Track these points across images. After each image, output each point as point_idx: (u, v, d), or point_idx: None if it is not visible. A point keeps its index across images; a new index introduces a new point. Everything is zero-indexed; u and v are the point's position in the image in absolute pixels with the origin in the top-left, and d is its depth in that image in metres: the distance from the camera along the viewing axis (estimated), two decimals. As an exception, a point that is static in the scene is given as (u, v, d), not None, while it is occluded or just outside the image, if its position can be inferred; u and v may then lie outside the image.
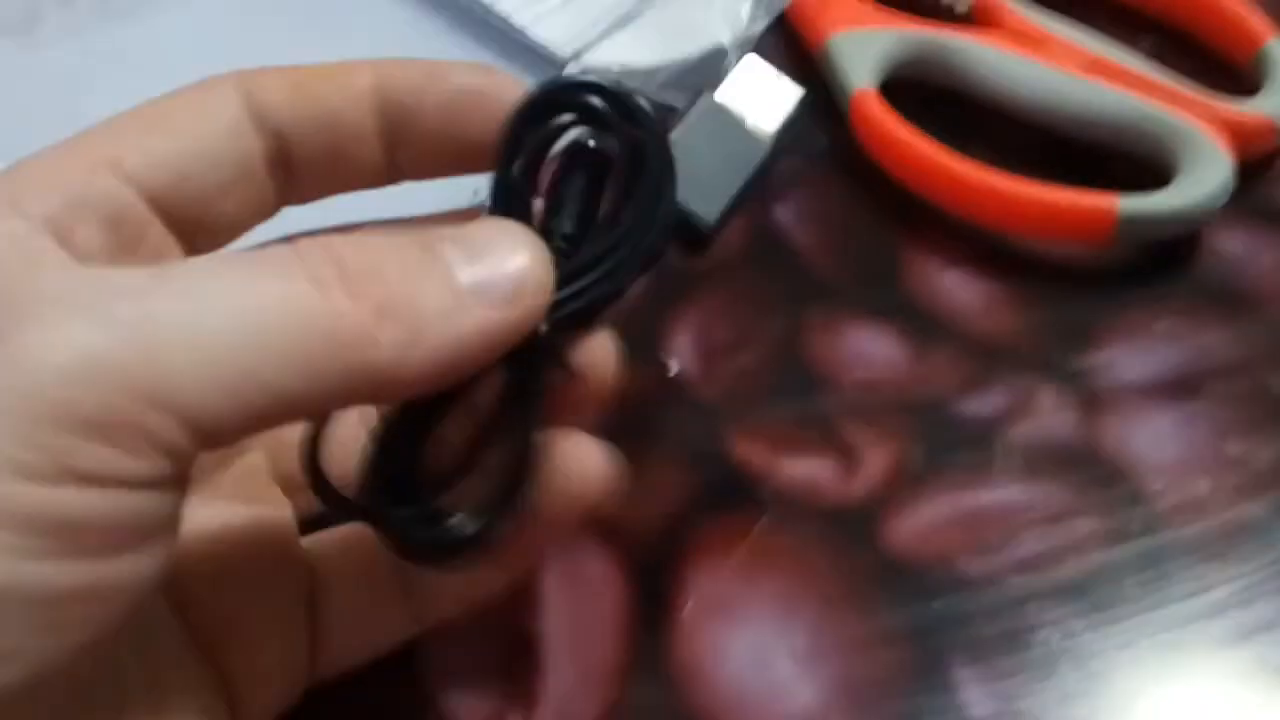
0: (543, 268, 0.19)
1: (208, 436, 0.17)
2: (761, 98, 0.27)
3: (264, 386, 0.17)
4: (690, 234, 0.24)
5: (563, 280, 0.20)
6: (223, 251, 0.22)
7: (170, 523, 0.18)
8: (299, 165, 0.22)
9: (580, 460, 0.22)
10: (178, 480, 0.17)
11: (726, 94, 0.26)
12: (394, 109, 0.22)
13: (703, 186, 0.24)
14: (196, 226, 0.21)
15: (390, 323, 0.18)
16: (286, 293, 0.17)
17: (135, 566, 0.17)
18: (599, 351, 0.22)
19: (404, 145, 0.22)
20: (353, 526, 0.23)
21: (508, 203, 0.21)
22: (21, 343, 0.16)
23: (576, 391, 0.22)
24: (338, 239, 0.19)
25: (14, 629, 0.16)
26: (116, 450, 0.16)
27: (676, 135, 0.25)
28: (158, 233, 0.20)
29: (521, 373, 0.21)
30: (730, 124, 0.26)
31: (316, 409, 0.19)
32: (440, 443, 0.21)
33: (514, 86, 0.22)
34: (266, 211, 0.22)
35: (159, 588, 0.18)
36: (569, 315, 0.20)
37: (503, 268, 0.19)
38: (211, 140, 0.21)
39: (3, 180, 0.19)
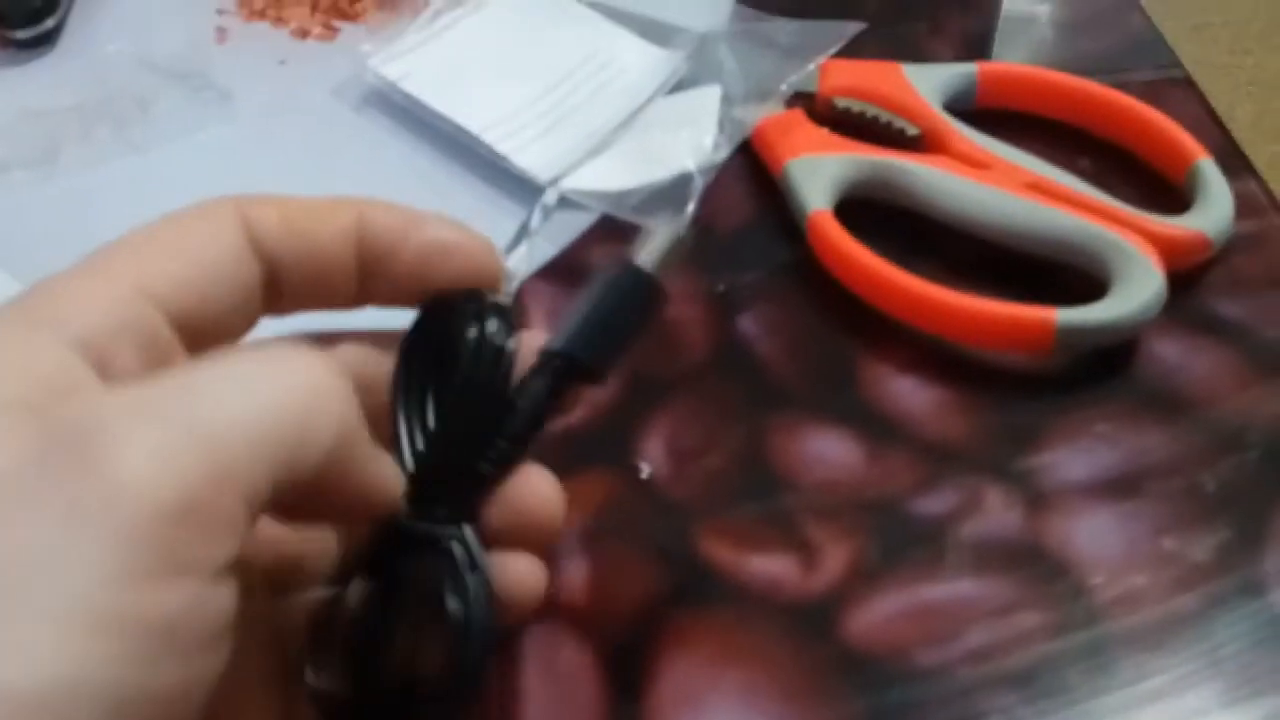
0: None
1: (255, 512, 0.19)
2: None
3: (302, 458, 0.19)
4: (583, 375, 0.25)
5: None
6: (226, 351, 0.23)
7: (233, 615, 0.19)
8: (285, 287, 0.24)
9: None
10: (234, 566, 0.19)
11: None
12: (372, 249, 0.24)
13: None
14: (206, 342, 0.23)
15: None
16: (309, 372, 0.20)
17: (214, 662, 0.19)
18: (539, 490, 0.25)
19: (377, 280, 0.24)
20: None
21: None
22: (102, 460, 0.18)
23: (522, 530, 0.24)
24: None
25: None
26: (206, 534, 0.18)
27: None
28: (179, 353, 0.22)
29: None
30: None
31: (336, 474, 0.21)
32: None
33: (483, 245, 0.25)
34: (253, 324, 0.24)
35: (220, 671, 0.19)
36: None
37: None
38: (223, 265, 0.23)
39: (40, 299, 0.21)
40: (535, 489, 0.25)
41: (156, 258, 0.22)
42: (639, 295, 0.25)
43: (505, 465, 0.24)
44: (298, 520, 0.23)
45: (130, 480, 0.18)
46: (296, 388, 0.20)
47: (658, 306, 0.26)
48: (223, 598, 0.19)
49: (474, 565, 0.23)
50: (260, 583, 0.24)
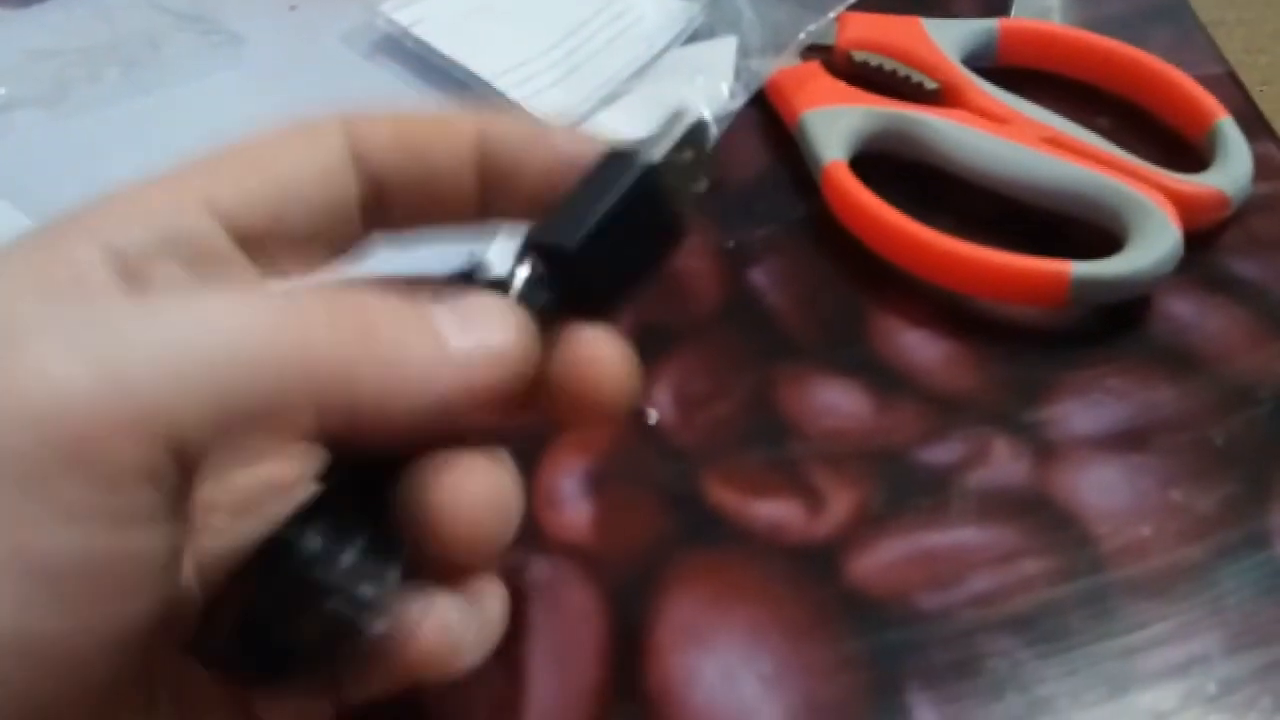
0: (526, 344, 0.21)
1: (189, 458, 0.18)
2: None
3: (239, 401, 0.18)
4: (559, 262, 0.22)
5: None
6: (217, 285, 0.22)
7: (164, 566, 0.19)
8: (393, 205, 0.23)
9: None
10: (168, 513, 0.19)
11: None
12: (494, 165, 0.23)
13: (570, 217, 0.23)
14: (282, 263, 0.23)
15: (373, 361, 0.20)
16: (262, 313, 0.19)
17: (135, 611, 0.18)
18: (604, 354, 0.23)
19: (499, 197, 0.24)
20: None
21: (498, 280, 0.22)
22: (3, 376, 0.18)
23: (581, 406, 0.23)
24: (334, 288, 0.21)
25: (7, 673, 0.17)
26: (102, 480, 0.17)
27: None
28: (241, 270, 0.22)
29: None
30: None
31: (294, 432, 0.20)
32: None
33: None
34: (351, 248, 0.24)
35: (150, 637, 0.19)
36: None
37: (490, 339, 0.21)
38: (310, 184, 0.22)
39: (96, 204, 0.21)
40: (594, 350, 0.23)
41: (231, 172, 0.22)
42: (656, 223, 0.22)
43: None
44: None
45: (14, 406, 0.17)
46: (246, 329, 0.19)
47: (677, 239, 0.23)
48: (124, 546, 0.18)
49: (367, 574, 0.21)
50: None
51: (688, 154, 0.22)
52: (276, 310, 0.20)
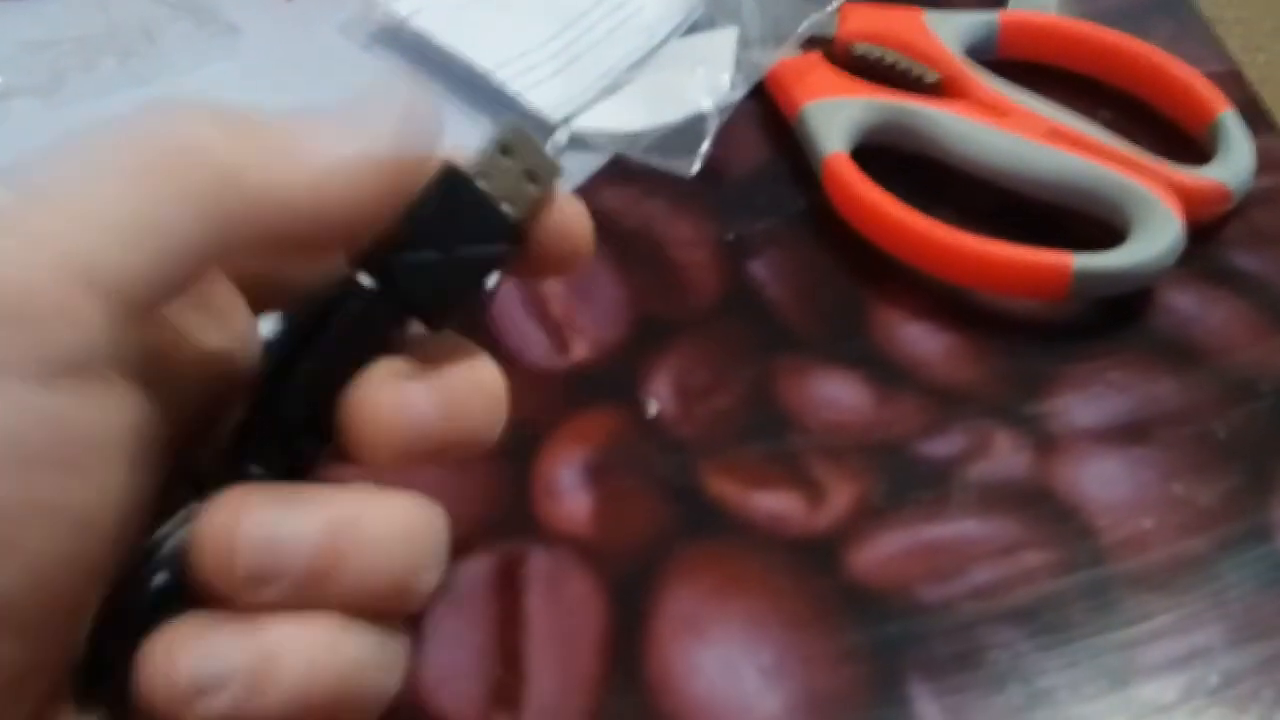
0: (422, 114, 0.21)
1: (107, 292, 0.18)
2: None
3: (155, 225, 0.18)
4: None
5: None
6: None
7: (104, 434, 0.18)
8: None
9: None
10: (107, 372, 0.18)
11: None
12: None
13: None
14: None
15: (236, 136, 0.20)
16: (163, 134, 0.19)
17: (70, 480, 0.18)
18: (569, 217, 0.23)
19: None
20: None
21: None
22: None
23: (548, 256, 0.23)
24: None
25: None
26: (32, 330, 0.17)
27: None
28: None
29: None
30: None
31: (202, 244, 0.20)
32: None
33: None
34: None
35: (117, 528, 0.19)
36: None
37: (379, 110, 0.21)
38: None
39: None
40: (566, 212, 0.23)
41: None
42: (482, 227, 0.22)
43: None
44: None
45: None
46: (148, 160, 0.19)
47: (505, 250, 0.22)
48: (66, 407, 0.18)
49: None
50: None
51: (509, 161, 0.22)
52: (179, 134, 0.20)
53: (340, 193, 0.20)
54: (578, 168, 0.39)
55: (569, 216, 0.23)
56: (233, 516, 0.20)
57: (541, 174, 0.22)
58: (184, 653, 0.19)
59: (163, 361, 0.21)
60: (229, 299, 0.24)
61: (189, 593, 0.20)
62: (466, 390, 0.22)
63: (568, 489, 0.32)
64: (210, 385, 0.22)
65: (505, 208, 0.22)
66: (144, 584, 0.20)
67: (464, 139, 0.40)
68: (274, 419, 0.21)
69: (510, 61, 0.40)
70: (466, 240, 0.22)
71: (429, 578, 0.22)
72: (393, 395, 0.21)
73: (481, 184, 0.22)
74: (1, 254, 0.18)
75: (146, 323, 0.19)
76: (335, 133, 0.21)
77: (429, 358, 0.22)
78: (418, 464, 0.21)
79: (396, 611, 0.22)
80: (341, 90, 0.41)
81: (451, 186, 0.22)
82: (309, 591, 0.20)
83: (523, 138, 0.22)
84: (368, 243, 0.22)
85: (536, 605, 0.30)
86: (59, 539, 0.18)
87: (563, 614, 0.30)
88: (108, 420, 0.19)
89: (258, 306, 0.24)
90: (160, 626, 0.20)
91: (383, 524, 0.21)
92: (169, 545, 0.21)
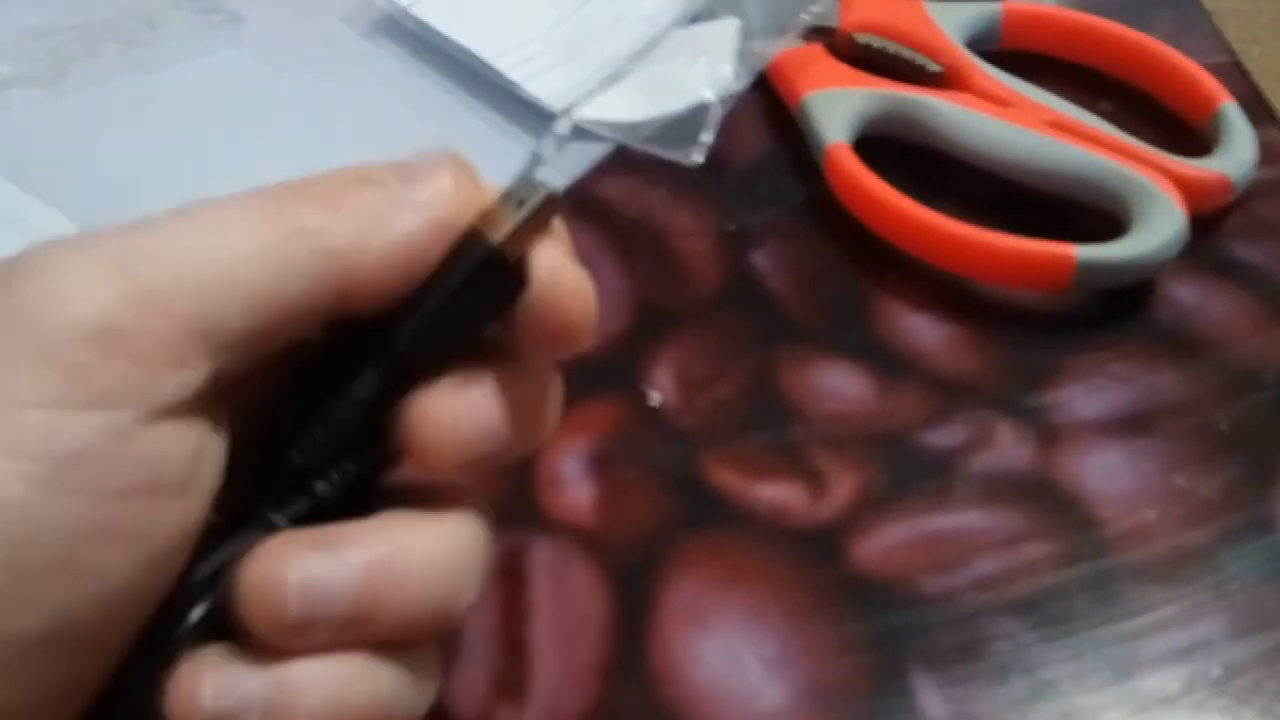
0: (468, 183, 0.22)
1: (215, 344, 0.19)
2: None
3: (247, 287, 0.20)
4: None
5: None
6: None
7: (192, 469, 0.19)
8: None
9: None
10: (195, 410, 0.19)
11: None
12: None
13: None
14: None
15: (340, 216, 0.21)
16: (250, 209, 0.21)
17: (157, 512, 0.19)
18: (568, 281, 0.23)
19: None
20: None
21: None
22: (23, 284, 0.19)
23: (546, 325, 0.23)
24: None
25: (33, 568, 0.18)
26: (128, 363, 0.18)
27: None
28: None
29: None
30: None
31: (300, 308, 0.21)
32: None
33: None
34: None
35: (179, 554, 0.20)
36: None
37: (434, 181, 0.22)
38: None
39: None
40: (564, 282, 0.23)
41: None
42: (490, 282, 0.22)
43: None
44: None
45: (42, 299, 0.19)
46: (261, 231, 0.20)
47: (513, 296, 0.23)
48: (155, 441, 0.19)
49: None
50: None
51: (531, 223, 0.22)
52: (265, 208, 0.21)
53: (402, 264, 0.21)
54: (579, 157, 0.39)
55: (570, 291, 0.23)
56: (278, 568, 0.20)
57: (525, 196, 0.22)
58: (208, 683, 0.20)
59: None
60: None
61: (222, 628, 0.21)
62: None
63: (570, 479, 0.32)
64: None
65: (500, 247, 0.22)
66: (180, 618, 0.21)
67: (465, 128, 0.39)
68: (291, 465, 0.22)
69: (512, 50, 0.40)
70: (481, 296, 0.22)
71: (469, 597, 0.22)
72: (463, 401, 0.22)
73: (496, 240, 0.22)
74: (126, 295, 0.19)
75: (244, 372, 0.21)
76: (401, 201, 0.22)
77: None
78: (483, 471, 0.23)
79: (434, 634, 0.22)
80: (343, 79, 0.41)
81: (472, 247, 0.22)
82: (351, 633, 0.21)
83: (537, 192, 0.22)
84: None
85: (540, 595, 0.29)
86: (138, 567, 0.19)
87: (566, 603, 0.29)
88: (195, 459, 0.20)
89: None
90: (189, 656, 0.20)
91: (425, 557, 0.22)
92: (201, 572, 0.21)
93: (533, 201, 0.22)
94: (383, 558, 0.21)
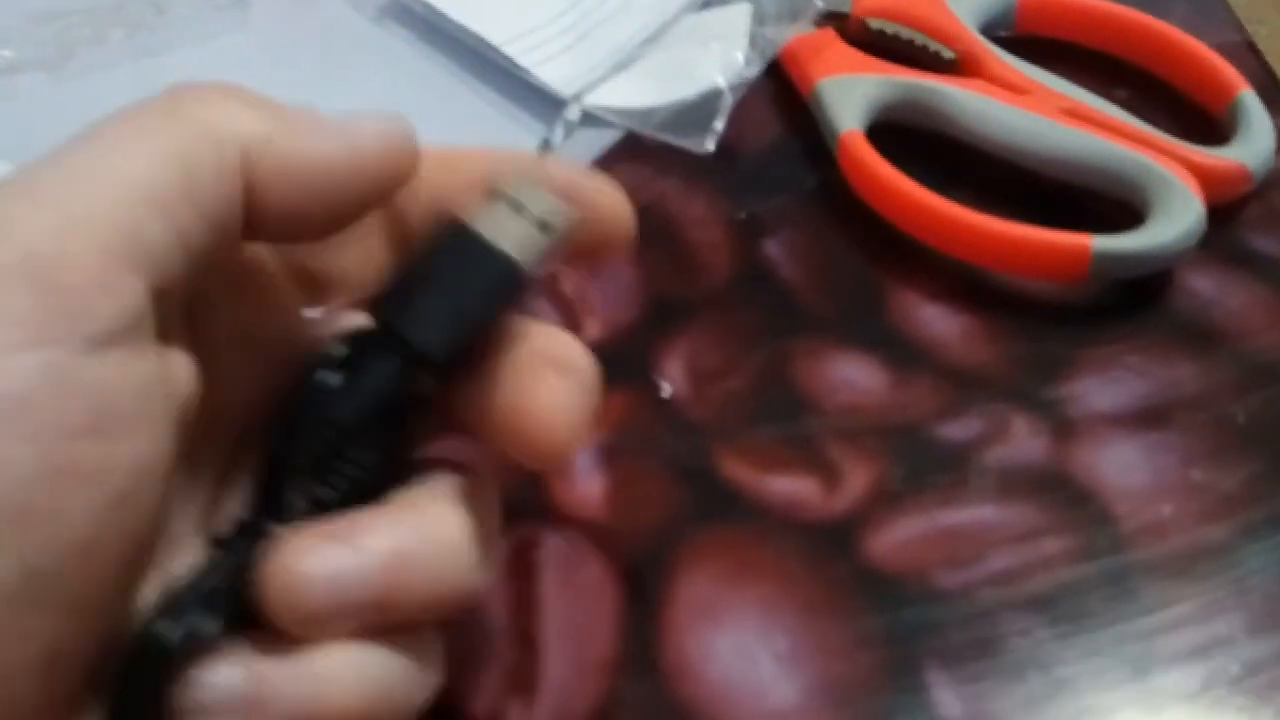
0: (401, 135, 0.22)
1: (142, 261, 0.19)
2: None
3: (157, 192, 0.19)
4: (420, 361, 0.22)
5: None
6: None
7: (142, 402, 0.19)
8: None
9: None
10: (136, 337, 0.19)
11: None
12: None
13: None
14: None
15: (248, 116, 0.21)
16: (148, 113, 0.21)
17: (110, 450, 0.18)
18: (608, 199, 0.24)
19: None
20: None
21: None
22: None
23: (593, 236, 0.23)
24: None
25: None
26: (59, 295, 0.18)
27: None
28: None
29: None
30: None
31: (215, 210, 0.20)
32: None
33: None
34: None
35: (149, 494, 0.19)
36: None
37: (363, 124, 0.22)
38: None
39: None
40: (601, 194, 0.24)
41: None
42: (490, 276, 0.22)
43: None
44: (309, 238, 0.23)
45: None
46: (181, 134, 0.20)
47: (518, 293, 0.22)
48: (97, 374, 0.18)
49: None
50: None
51: (510, 208, 0.22)
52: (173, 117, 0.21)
53: (371, 152, 0.21)
54: (589, 144, 0.38)
55: (607, 202, 0.24)
56: (299, 563, 0.20)
57: (550, 219, 0.22)
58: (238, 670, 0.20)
59: (202, 338, 0.21)
60: (276, 285, 0.24)
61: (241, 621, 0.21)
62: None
63: (581, 472, 0.31)
64: (260, 372, 0.23)
65: (509, 252, 0.22)
66: (177, 627, 0.20)
67: (475, 113, 0.39)
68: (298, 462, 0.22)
69: (521, 36, 0.39)
70: (472, 289, 0.22)
71: (485, 573, 0.23)
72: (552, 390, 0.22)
73: (485, 233, 0.22)
74: (41, 227, 0.18)
75: (183, 294, 0.20)
76: (319, 122, 0.22)
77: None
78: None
79: (447, 617, 0.22)
80: (350, 64, 0.40)
81: (455, 238, 0.22)
82: (374, 619, 0.21)
83: (526, 184, 0.22)
84: (376, 296, 0.22)
85: (550, 589, 0.29)
86: (99, 509, 0.18)
87: (577, 597, 0.29)
88: (146, 391, 0.19)
89: (307, 300, 0.25)
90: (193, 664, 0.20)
91: (442, 540, 0.22)
92: (207, 584, 0.21)
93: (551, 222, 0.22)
94: (402, 545, 0.21)
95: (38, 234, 0.18)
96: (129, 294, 0.19)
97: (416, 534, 0.21)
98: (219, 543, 0.22)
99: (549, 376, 0.22)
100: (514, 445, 0.22)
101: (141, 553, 0.20)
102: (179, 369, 0.20)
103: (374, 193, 0.22)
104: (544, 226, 0.22)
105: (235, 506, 0.23)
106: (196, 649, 0.20)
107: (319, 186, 0.21)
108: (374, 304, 0.22)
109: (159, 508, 0.20)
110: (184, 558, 0.21)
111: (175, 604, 0.20)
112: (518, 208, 0.22)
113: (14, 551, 0.17)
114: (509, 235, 0.22)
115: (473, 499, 0.23)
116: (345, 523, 0.21)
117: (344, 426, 0.21)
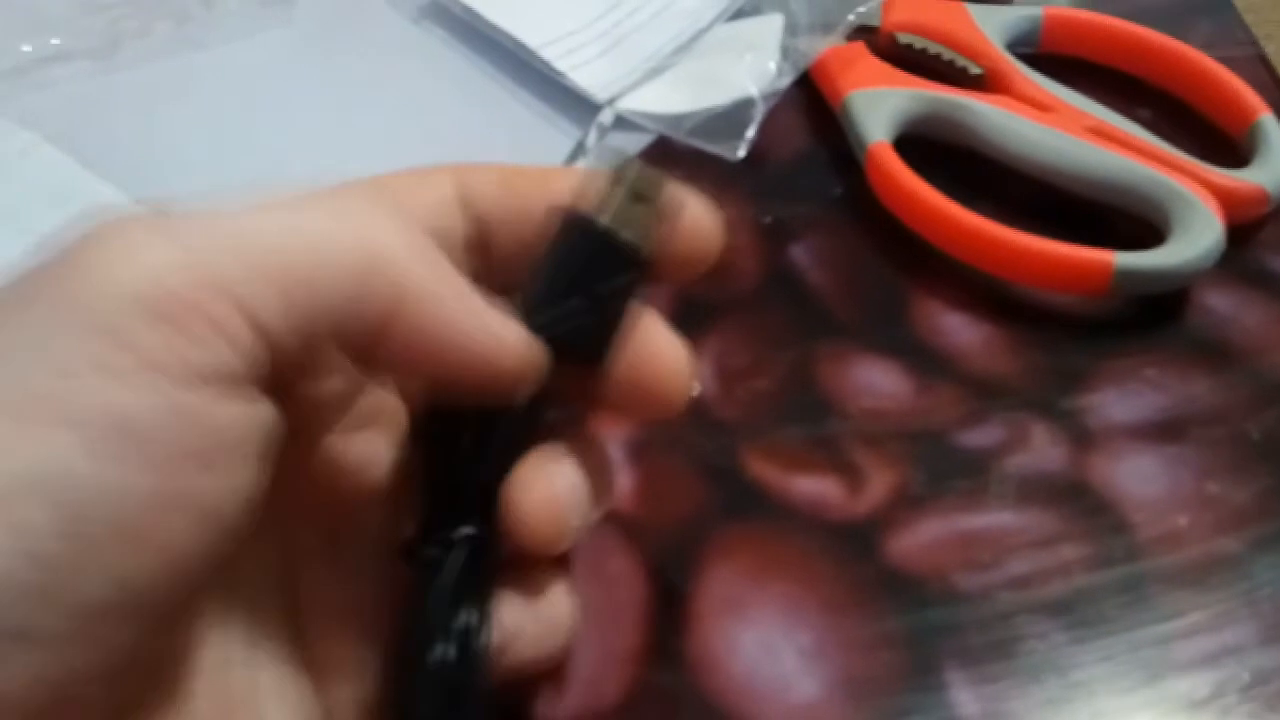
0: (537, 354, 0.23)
1: (269, 336, 0.19)
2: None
3: (314, 293, 0.20)
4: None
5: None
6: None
7: (244, 442, 0.19)
8: (497, 250, 0.24)
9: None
10: (250, 388, 0.19)
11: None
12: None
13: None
14: None
15: (433, 284, 0.21)
16: (340, 216, 0.21)
17: (201, 482, 0.19)
18: (698, 219, 0.25)
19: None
20: None
21: None
22: (87, 259, 0.19)
23: (680, 254, 0.24)
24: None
25: (93, 536, 0.17)
26: (183, 337, 0.18)
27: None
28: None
29: None
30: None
31: (336, 303, 0.21)
32: None
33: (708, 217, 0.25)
34: None
35: (242, 524, 0.20)
36: None
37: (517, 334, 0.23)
38: (422, 218, 0.23)
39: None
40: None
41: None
42: (607, 264, 0.23)
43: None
44: (379, 371, 0.24)
45: (103, 273, 0.18)
46: (337, 233, 0.20)
47: (638, 276, 0.23)
48: (208, 409, 0.19)
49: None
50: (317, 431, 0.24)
51: (622, 191, 0.23)
52: (358, 224, 0.21)
53: (506, 356, 0.22)
54: (622, 148, 0.38)
55: (698, 222, 0.25)
56: (546, 485, 0.24)
57: (655, 195, 0.23)
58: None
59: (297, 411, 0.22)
60: (382, 403, 0.25)
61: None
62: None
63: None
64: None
65: (628, 236, 0.23)
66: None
67: (510, 116, 0.39)
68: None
69: (557, 40, 0.39)
70: (601, 278, 0.23)
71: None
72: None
73: (602, 220, 0.23)
74: (174, 267, 0.19)
75: (284, 362, 0.20)
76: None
77: None
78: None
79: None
80: (390, 63, 0.40)
81: (576, 231, 0.23)
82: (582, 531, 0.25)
83: (632, 165, 0.23)
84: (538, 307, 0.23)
85: (579, 580, 0.29)
86: (193, 531, 0.19)
87: (605, 589, 0.29)
88: (244, 426, 0.20)
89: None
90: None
91: (601, 467, 0.26)
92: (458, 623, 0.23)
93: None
94: (585, 471, 0.25)
95: (168, 269, 0.19)
96: (243, 343, 0.19)
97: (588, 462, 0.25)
98: (412, 551, 0.23)
99: (663, 329, 0.25)
100: (647, 394, 0.24)
101: (217, 573, 0.20)
102: (272, 413, 0.21)
103: (485, 384, 0.22)
104: (646, 200, 0.23)
105: None
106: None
107: (437, 360, 0.22)
108: (522, 311, 0.23)
109: (242, 535, 0.20)
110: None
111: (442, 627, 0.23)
112: (621, 184, 0.23)
113: (110, 571, 0.18)
114: (618, 215, 0.23)
115: (600, 445, 0.26)
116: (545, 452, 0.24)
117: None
